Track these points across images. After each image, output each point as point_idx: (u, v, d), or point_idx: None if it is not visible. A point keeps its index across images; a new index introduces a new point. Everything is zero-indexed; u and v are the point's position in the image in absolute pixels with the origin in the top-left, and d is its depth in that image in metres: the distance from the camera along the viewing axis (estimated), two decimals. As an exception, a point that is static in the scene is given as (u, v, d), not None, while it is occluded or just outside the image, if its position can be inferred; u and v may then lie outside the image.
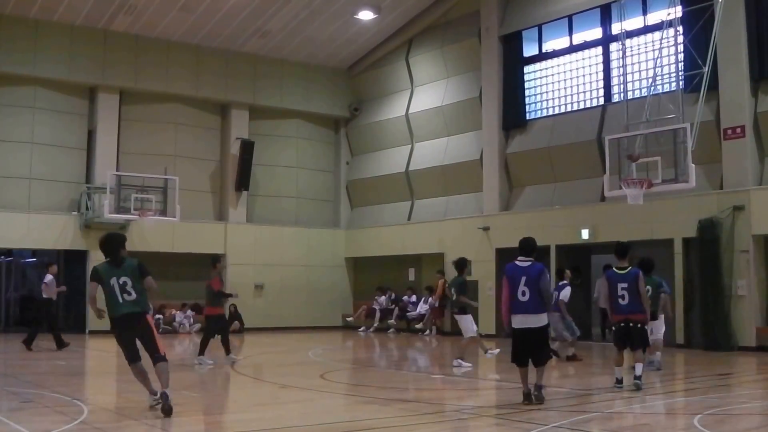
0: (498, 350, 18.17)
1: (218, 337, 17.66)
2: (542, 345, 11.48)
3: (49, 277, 21.55)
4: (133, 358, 10.65)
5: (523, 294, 11.17)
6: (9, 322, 29.46)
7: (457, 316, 17.03)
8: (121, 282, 10.44)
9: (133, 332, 10.55)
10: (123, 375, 16.60)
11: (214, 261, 17.99)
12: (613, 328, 13.19)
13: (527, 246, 11.62)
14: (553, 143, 25.64)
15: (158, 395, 10.39)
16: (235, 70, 30.52)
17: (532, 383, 11.28)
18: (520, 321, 11.26)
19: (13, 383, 13.87)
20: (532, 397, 11.15)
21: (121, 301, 10.41)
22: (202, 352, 17.24)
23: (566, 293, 18.01)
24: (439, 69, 29.93)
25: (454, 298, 16.82)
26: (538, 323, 11.28)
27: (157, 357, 10.46)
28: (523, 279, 11.20)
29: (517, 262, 11.46)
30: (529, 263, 11.40)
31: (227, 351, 17.48)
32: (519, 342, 11.35)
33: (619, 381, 12.89)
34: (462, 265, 17.13)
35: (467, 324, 16.77)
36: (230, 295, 18.32)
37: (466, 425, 10.21)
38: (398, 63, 31.44)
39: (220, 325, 17.61)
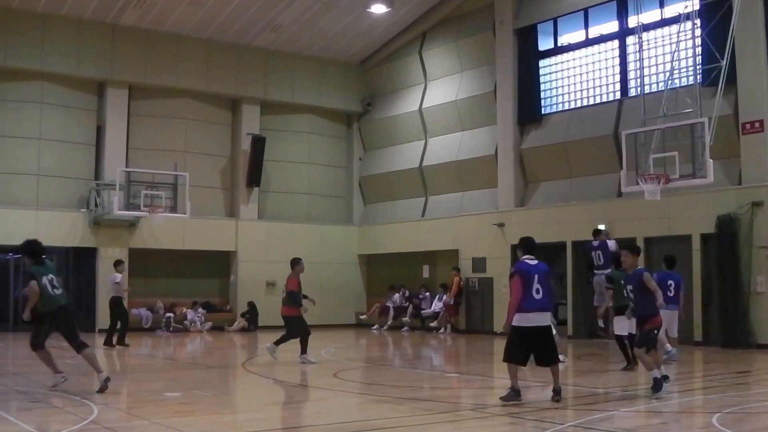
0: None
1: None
2: (553, 343, 11.53)
3: (118, 276, 21.53)
4: (42, 344, 12.26)
5: (538, 291, 11.13)
6: (17, 321, 29.23)
7: None
8: (49, 278, 12.04)
9: (67, 322, 12.20)
10: (133, 374, 16.52)
11: (293, 262, 17.43)
12: (656, 332, 12.47)
13: (532, 244, 11.63)
14: (569, 138, 25.37)
15: (63, 376, 12.36)
16: (246, 65, 30.31)
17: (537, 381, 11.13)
18: (534, 319, 11.12)
19: (22, 382, 13.77)
20: (520, 396, 11.09)
21: (54, 294, 12.04)
22: (278, 343, 17.00)
23: None
24: (453, 63, 29.66)
25: None
26: (549, 321, 11.35)
27: (81, 343, 12.21)
28: (536, 276, 11.18)
29: (527, 261, 11.40)
30: (537, 261, 11.42)
31: (303, 350, 16.94)
32: (526, 340, 11.15)
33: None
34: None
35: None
36: (305, 297, 17.52)
37: (480, 424, 10.03)
38: (411, 57, 31.18)
39: (297, 325, 17.02)
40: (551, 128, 26.28)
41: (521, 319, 11.13)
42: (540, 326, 11.13)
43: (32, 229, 25.88)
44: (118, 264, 22.08)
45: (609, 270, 18.49)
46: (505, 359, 11.30)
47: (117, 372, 17.08)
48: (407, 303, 29.37)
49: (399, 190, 31.31)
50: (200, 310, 28.48)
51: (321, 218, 31.99)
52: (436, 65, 30.39)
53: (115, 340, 21.33)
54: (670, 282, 16.79)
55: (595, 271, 19.55)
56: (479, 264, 27.14)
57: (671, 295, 16.69)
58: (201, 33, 29.03)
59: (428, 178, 30.16)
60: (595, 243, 19.28)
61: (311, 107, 31.99)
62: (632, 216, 22.64)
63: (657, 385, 11.72)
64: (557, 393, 11.09)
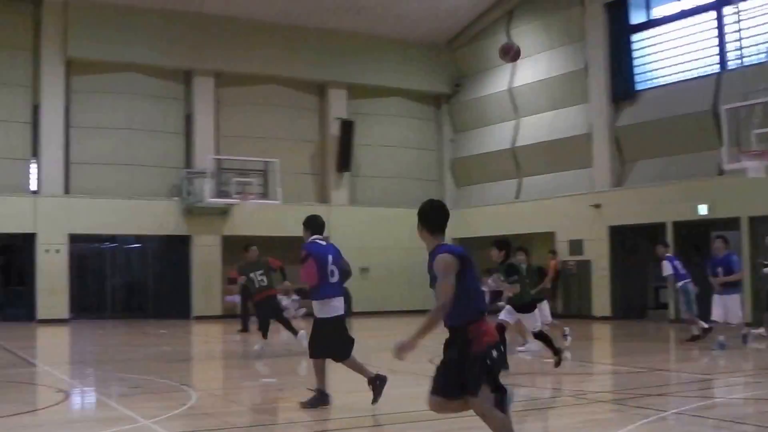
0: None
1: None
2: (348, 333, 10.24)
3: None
4: None
5: (332, 274, 9.96)
6: (115, 309, 29.67)
7: None
8: None
9: None
10: (230, 360, 16.58)
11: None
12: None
13: (322, 223, 10.57)
14: (666, 115, 24.58)
15: None
16: (330, 49, 30.10)
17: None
18: (337, 306, 9.99)
19: (122, 369, 13.97)
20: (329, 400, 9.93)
21: None
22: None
23: None
24: (542, 40, 29.08)
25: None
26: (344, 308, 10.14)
27: None
28: (330, 258, 10.04)
29: (317, 241, 10.28)
30: (327, 243, 10.38)
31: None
32: (340, 330, 10.00)
33: None
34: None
35: None
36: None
37: (582, 411, 9.79)
38: (499, 35, 30.45)
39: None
40: (646, 105, 25.59)
41: (330, 309, 9.89)
42: (342, 315, 10.02)
43: (126, 219, 26.40)
44: (247, 249, 21.73)
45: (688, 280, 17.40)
46: (314, 355, 10.01)
47: (215, 358, 17.23)
48: (503, 287, 28.96)
49: (491, 172, 30.86)
50: (294, 296, 28.51)
51: (413, 202, 31.27)
52: (524, 43, 29.73)
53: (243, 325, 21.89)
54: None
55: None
56: (576, 246, 26.61)
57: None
58: (284, 19, 28.92)
59: (521, 159, 29.64)
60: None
61: (398, 90, 31.73)
62: (735, 194, 21.91)
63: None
64: (379, 382, 9.86)
